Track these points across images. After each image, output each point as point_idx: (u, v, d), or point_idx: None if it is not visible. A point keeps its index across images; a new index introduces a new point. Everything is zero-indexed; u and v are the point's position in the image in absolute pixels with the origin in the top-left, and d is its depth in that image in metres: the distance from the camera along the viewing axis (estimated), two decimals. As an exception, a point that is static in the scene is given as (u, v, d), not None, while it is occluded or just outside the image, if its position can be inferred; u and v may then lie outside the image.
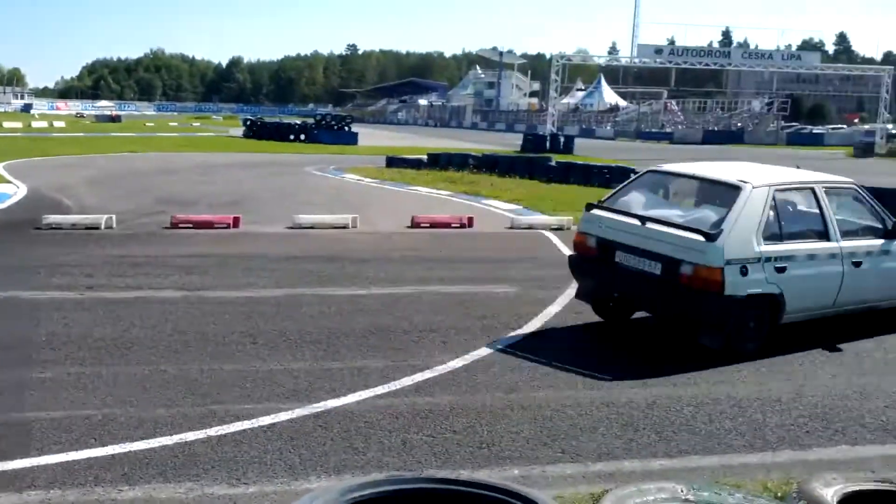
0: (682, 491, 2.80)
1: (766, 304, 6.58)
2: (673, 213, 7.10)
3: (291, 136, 44.87)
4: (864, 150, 47.45)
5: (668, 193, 7.83)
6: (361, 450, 4.72)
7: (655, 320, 7.57)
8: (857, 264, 7.02)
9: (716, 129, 67.12)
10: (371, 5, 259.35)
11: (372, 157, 31.32)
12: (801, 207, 7.43)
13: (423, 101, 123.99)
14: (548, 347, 6.83)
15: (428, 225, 13.82)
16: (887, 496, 2.98)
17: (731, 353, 6.50)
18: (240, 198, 17.19)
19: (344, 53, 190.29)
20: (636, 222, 6.91)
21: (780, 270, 6.55)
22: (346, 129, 46.79)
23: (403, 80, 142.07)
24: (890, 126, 59.61)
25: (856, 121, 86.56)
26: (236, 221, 13.08)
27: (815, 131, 67.23)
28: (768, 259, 6.49)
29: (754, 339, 6.65)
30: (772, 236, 6.61)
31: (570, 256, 7.93)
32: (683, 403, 5.60)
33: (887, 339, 7.31)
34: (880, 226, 7.35)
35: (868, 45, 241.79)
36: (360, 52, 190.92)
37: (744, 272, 6.37)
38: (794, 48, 74.17)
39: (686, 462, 4.71)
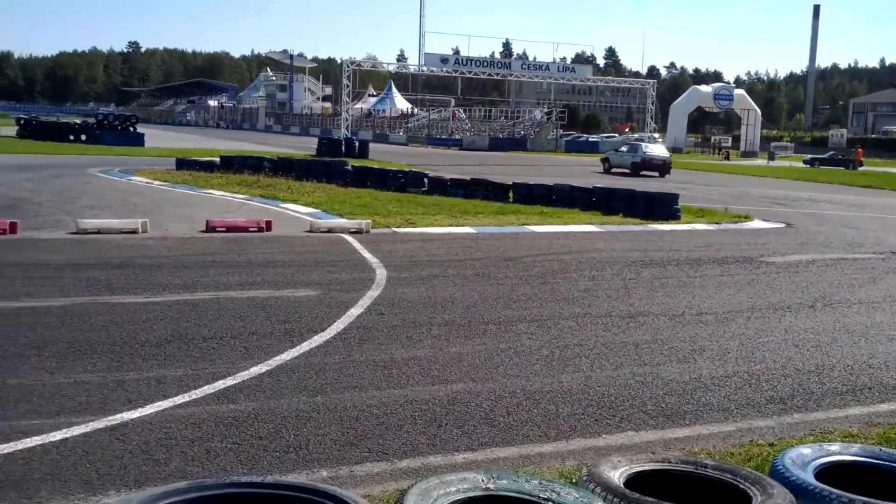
0: (482, 480, 2.93)
1: None
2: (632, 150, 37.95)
3: (71, 137, 42.37)
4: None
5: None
6: (163, 461, 4.56)
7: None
8: None
9: (501, 136, 70.07)
10: (152, 2, 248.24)
11: (161, 158, 30.06)
12: None
13: (212, 103, 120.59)
14: (352, 349, 6.90)
15: (224, 229, 13.48)
16: (665, 473, 3.29)
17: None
18: (15, 202, 15.92)
19: (126, 51, 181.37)
20: (631, 155, 37.39)
21: None
22: (132, 129, 44.87)
23: (191, 80, 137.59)
24: (657, 135, 64.98)
25: (626, 130, 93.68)
26: (13, 227, 12.16)
27: (590, 139, 71.89)
28: None
29: None
30: None
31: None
32: (482, 398, 5.85)
33: (662, 332, 8.00)
34: None
35: (635, 59, 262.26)
36: (142, 50, 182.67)
37: None
38: (568, 61, 78.90)
39: (487, 454, 4.92)
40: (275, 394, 5.74)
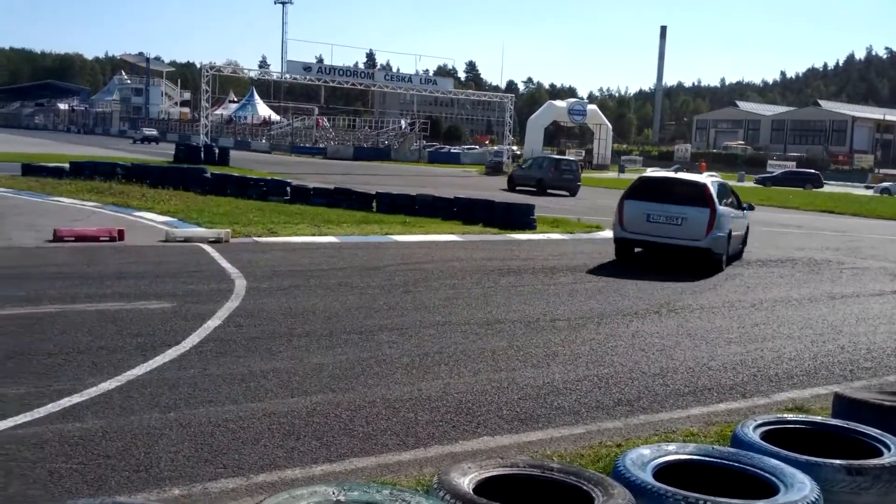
0: (333, 493, 2.92)
1: None
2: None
3: None
4: (494, 168, 52.57)
5: None
6: (0, 486, 4.31)
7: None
8: None
9: (365, 145, 70.19)
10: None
11: (4, 164, 28.34)
12: None
13: (63, 106, 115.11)
14: (208, 362, 6.73)
15: (73, 239, 12.89)
16: (513, 478, 3.39)
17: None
18: None
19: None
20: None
21: None
22: (-29, 133, 42.17)
23: (40, 82, 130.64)
24: (515, 147, 66.69)
25: (486, 142, 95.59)
26: None
27: (452, 150, 72.99)
28: None
29: None
30: None
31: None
32: (342, 409, 5.84)
33: (518, 338, 8.23)
34: None
35: (494, 74, 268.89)
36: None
37: None
38: (431, 73, 79.98)
39: (346, 465, 4.92)
40: (125, 410, 5.53)
